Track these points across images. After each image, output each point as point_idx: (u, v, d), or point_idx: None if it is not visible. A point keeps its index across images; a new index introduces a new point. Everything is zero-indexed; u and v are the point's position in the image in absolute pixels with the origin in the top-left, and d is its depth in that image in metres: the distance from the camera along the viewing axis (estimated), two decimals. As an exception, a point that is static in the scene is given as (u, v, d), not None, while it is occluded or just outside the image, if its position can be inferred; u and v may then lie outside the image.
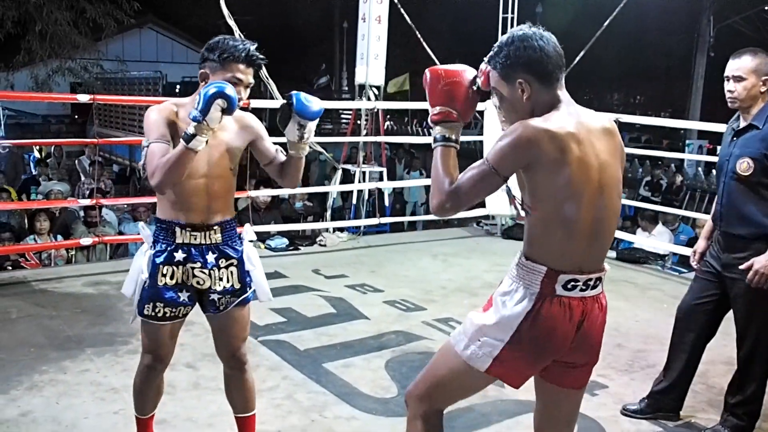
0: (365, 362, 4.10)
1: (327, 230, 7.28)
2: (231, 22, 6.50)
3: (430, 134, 2.23)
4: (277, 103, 6.52)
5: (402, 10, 7.98)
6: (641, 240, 7.37)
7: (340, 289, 5.47)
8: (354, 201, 8.57)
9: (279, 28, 23.88)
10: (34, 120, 19.09)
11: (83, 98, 5.71)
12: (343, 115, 17.51)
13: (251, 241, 2.84)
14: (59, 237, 6.87)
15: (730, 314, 3.33)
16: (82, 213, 7.92)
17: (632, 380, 3.96)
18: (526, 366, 2.07)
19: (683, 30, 19.33)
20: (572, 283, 2.00)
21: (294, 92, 2.64)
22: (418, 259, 6.56)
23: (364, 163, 8.20)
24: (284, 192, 7.84)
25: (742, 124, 3.23)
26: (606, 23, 8.71)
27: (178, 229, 2.64)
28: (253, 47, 2.63)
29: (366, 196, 8.54)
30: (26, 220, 8.05)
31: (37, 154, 15.14)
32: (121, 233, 7.80)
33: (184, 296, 2.68)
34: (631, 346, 4.45)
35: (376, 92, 7.98)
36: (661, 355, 3.61)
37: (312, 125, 2.65)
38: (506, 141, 1.95)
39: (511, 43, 2.03)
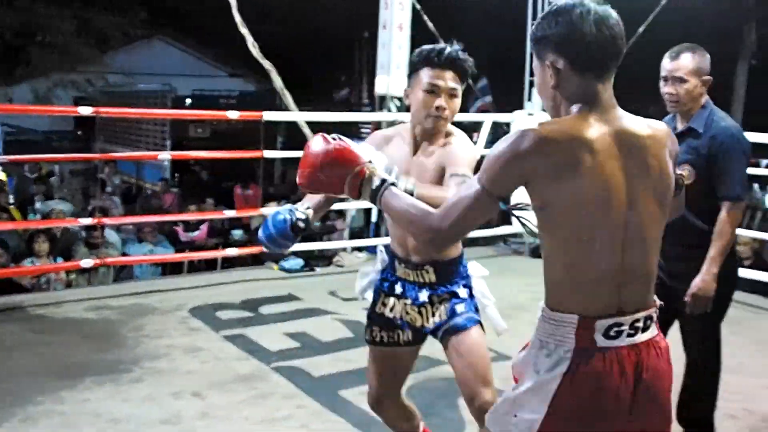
0: (386, 391, 4.03)
1: (344, 250, 7.24)
2: (244, 31, 6.53)
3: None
4: (294, 115, 6.52)
5: (425, 17, 7.98)
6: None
7: (357, 311, 5.39)
8: (374, 219, 8.52)
9: (297, 38, 24.07)
10: (35, 137, 19.27)
11: (85, 111, 5.74)
12: (363, 129, 17.51)
13: (481, 276, 2.72)
14: (59, 259, 6.87)
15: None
16: (83, 233, 7.92)
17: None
18: None
19: (726, 37, 19.22)
20: (615, 329, 1.70)
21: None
22: (442, 281, 6.47)
23: (385, 178, 8.15)
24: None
25: (680, 126, 3.16)
26: (640, 30, 8.70)
27: (396, 262, 2.65)
28: (452, 47, 2.48)
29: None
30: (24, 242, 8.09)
31: (35, 172, 15.27)
32: (125, 254, 7.80)
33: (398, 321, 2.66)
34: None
35: (398, 103, 7.96)
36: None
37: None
38: (495, 152, 1.70)
39: (547, 15, 1.76)
